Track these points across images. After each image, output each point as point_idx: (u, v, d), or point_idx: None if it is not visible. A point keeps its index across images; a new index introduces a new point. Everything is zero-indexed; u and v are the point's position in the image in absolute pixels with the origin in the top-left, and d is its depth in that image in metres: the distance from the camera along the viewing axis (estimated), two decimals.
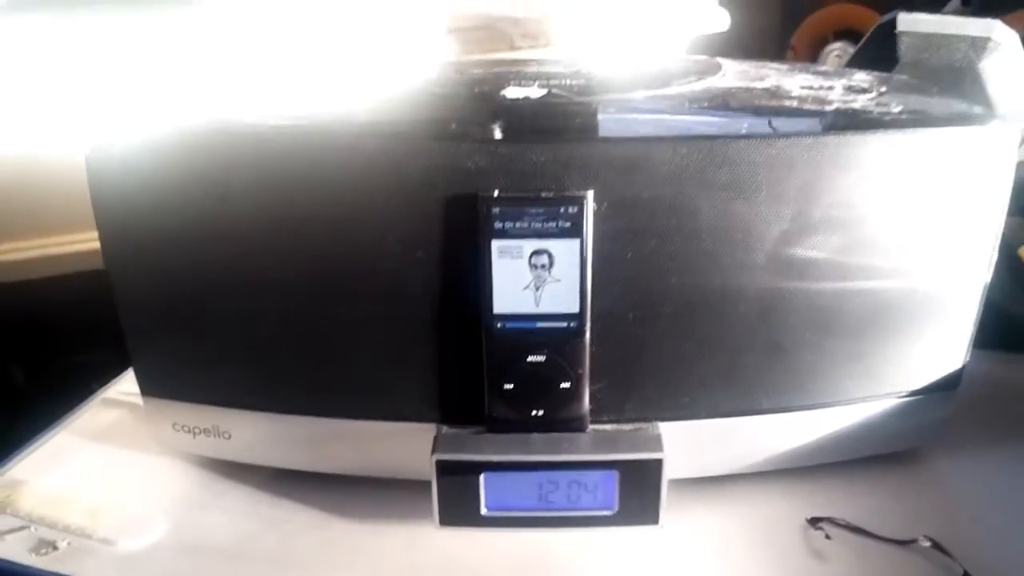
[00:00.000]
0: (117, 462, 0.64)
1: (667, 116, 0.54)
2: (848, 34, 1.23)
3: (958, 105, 0.55)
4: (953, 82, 0.68)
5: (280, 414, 0.57)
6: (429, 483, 0.52)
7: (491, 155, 0.48)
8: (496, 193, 0.48)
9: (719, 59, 0.70)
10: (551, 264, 0.50)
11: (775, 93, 0.58)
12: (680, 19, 1.00)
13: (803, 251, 0.51)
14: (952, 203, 0.52)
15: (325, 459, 0.59)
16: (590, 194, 0.48)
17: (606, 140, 0.49)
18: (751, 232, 0.50)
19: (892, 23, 0.69)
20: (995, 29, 0.68)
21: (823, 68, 0.68)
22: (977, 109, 0.54)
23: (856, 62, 0.72)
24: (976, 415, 0.64)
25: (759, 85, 0.60)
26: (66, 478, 0.62)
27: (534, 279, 0.50)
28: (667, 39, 1.00)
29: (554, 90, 0.58)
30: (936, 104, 0.55)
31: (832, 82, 0.60)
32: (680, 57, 0.70)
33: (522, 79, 0.61)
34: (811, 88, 0.58)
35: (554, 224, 0.49)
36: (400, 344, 0.53)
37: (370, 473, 0.58)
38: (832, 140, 0.49)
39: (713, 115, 0.55)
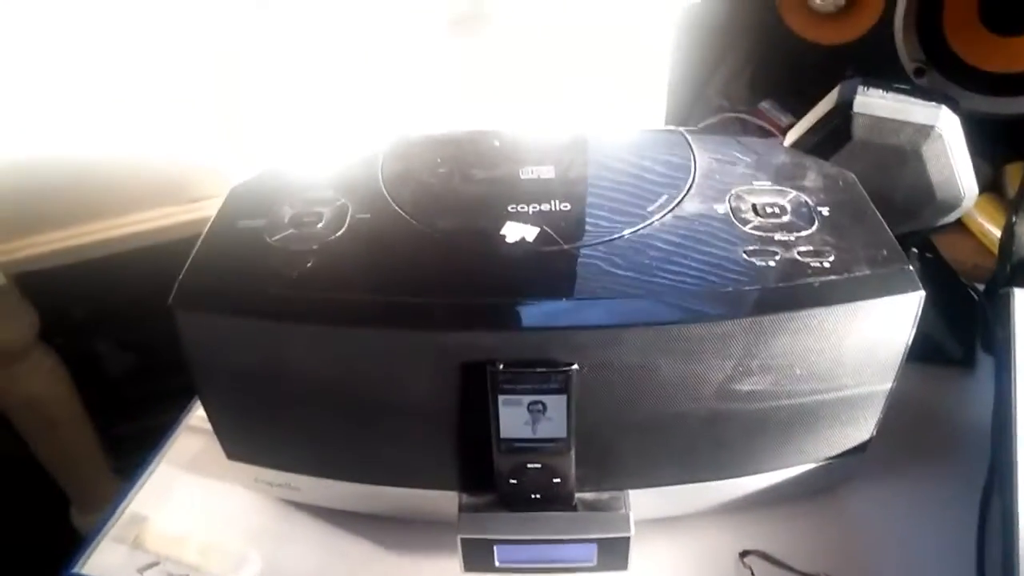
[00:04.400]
0: (209, 493, 0.82)
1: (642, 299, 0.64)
2: None
3: (881, 252, 0.66)
4: (899, 162, 0.77)
5: (339, 480, 0.74)
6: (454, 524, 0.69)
7: (498, 338, 0.62)
8: (501, 366, 0.62)
9: (686, 138, 0.79)
10: (544, 409, 0.64)
11: (731, 224, 0.68)
12: None
13: (742, 387, 0.65)
14: (867, 345, 0.65)
15: (376, 508, 0.77)
16: (575, 366, 0.62)
17: (589, 328, 0.62)
18: (702, 379, 0.64)
19: (849, 104, 0.77)
20: (939, 118, 0.75)
21: (785, 158, 0.77)
22: (893, 267, 0.65)
23: (814, 133, 0.80)
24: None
25: (719, 210, 0.70)
26: (173, 514, 0.80)
27: (531, 418, 0.65)
28: (654, 12, 1.04)
29: (545, 227, 0.69)
30: (862, 250, 0.66)
31: (784, 200, 0.70)
32: (648, 137, 0.79)
33: (518, 203, 0.71)
34: (764, 215, 0.69)
35: (547, 385, 0.63)
36: (432, 447, 0.69)
37: (409, 518, 0.77)
38: (767, 319, 0.62)
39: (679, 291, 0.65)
